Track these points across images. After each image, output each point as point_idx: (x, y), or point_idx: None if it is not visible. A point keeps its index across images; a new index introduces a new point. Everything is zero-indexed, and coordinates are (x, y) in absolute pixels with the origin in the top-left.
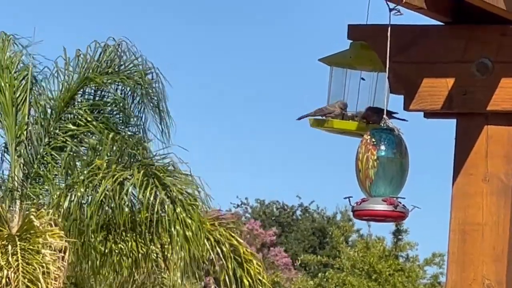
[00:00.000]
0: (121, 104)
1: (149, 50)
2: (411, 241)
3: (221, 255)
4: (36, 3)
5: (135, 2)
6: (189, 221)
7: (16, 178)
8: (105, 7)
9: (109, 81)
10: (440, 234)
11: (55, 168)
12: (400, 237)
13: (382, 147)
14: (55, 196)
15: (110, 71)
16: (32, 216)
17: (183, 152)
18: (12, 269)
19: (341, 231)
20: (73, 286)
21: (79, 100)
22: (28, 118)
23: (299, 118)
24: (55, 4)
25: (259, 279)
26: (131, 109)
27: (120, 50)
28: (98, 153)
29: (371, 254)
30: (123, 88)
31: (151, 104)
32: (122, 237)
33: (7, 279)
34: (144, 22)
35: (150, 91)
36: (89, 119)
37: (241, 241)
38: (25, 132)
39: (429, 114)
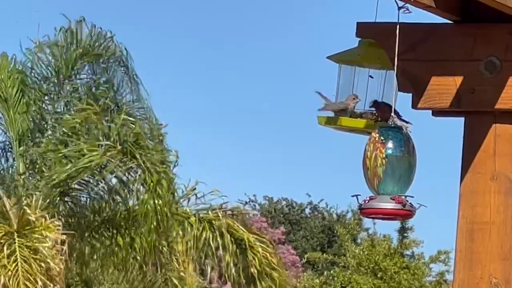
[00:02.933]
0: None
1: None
2: (416, 239)
3: (228, 250)
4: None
5: (134, 16)
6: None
7: (21, 171)
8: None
9: (99, 62)
10: (445, 232)
11: (56, 163)
12: (405, 234)
13: (391, 145)
14: (57, 191)
15: (94, 53)
16: (27, 209)
17: (185, 152)
18: (8, 271)
19: (347, 229)
20: (83, 283)
21: (76, 77)
22: (28, 114)
23: (320, 110)
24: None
25: (268, 263)
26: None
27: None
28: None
29: (376, 252)
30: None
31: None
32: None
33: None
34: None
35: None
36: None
37: (244, 229)
38: (28, 129)
39: (437, 112)
